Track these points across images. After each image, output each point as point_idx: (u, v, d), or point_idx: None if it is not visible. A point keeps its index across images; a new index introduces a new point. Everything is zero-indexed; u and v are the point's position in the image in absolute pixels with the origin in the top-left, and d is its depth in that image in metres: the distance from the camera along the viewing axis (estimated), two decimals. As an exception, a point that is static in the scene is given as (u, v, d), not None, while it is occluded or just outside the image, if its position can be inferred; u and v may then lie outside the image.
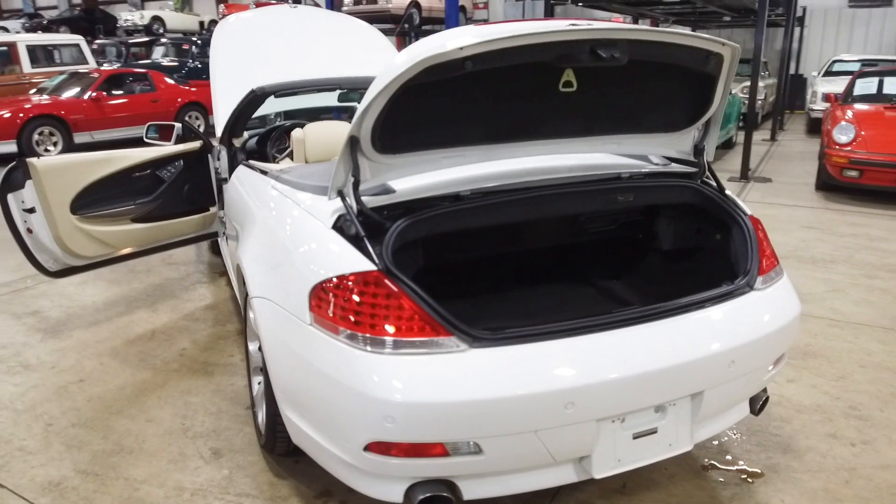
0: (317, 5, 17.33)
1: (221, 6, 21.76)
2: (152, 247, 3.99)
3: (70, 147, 10.06)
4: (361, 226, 1.98)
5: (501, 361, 1.80)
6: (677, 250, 2.72)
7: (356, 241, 1.97)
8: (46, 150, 9.92)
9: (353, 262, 1.91)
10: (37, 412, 3.02)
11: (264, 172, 3.00)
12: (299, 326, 1.99)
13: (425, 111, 2.01)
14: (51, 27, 23.60)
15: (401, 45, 19.62)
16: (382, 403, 1.74)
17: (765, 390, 2.37)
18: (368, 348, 1.80)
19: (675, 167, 2.61)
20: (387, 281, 1.85)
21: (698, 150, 2.55)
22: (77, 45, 13.18)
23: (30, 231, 3.50)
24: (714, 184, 2.52)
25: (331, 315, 1.88)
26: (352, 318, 1.84)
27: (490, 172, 2.26)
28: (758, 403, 2.33)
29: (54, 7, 29.43)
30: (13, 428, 2.89)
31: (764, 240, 2.36)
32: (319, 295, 1.93)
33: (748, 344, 2.05)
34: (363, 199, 2.04)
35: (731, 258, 2.36)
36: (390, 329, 1.80)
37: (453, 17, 14.02)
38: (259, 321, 2.25)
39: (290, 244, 2.21)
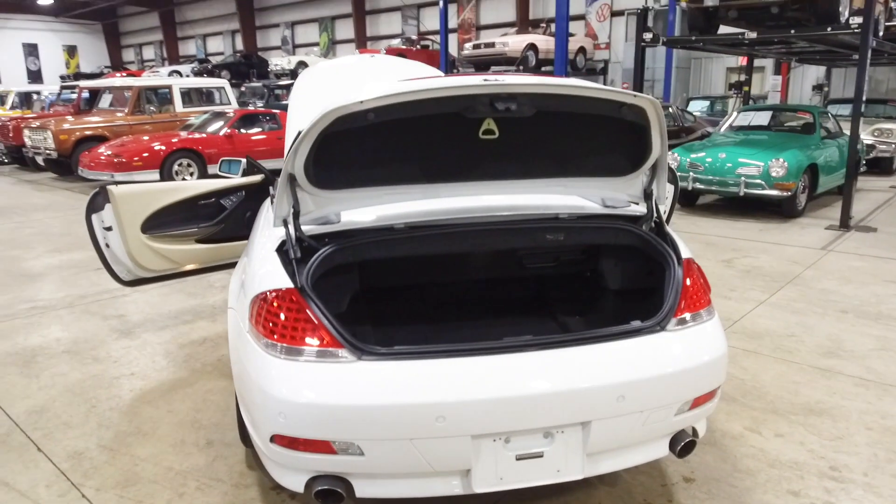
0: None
1: (356, 52, 23.52)
2: (213, 265, 4.58)
3: (203, 176, 11.39)
4: (295, 250, 2.30)
5: (384, 374, 2.03)
6: (627, 289, 2.80)
7: (290, 263, 2.30)
8: (183, 179, 11.30)
9: (278, 280, 2.24)
10: (88, 396, 3.61)
11: None
12: (241, 333, 2.34)
13: (355, 153, 2.32)
14: (214, 71, 26.60)
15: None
16: (277, 401, 2.04)
17: (690, 432, 2.38)
18: (275, 353, 2.10)
19: (633, 210, 2.71)
20: (298, 298, 2.16)
21: (647, 194, 2.64)
22: (222, 88, 14.86)
23: (107, 246, 4.18)
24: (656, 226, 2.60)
25: (255, 324, 2.21)
26: (268, 327, 2.16)
27: (428, 209, 2.51)
28: (678, 444, 2.35)
29: (221, 53, 33.17)
30: (66, 407, 3.49)
31: (694, 283, 2.40)
32: (252, 306, 2.27)
33: (640, 382, 2.12)
34: (304, 227, 2.37)
35: (661, 298, 2.43)
36: (293, 339, 2.10)
37: (561, 59, 14.30)
38: (228, 328, 2.64)
39: (251, 263, 2.58)
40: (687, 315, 2.31)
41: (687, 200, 9.24)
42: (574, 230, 2.56)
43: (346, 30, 28.94)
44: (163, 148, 11.18)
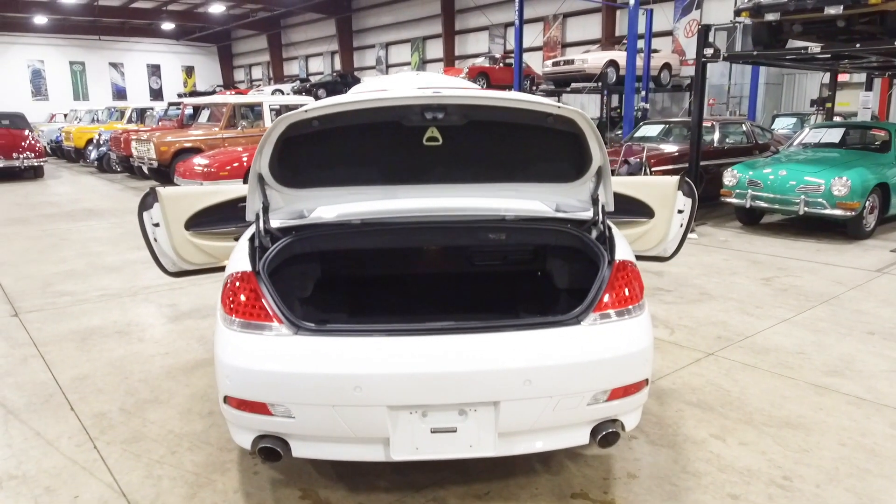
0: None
1: (442, 71, 24.21)
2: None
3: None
4: (263, 240, 2.65)
5: (313, 347, 2.32)
6: (574, 287, 2.95)
7: (255, 251, 2.64)
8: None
9: (242, 264, 2.59)
10: (124, 369, 4.13)
11: None
12: (218, 310, 2.71)
13: (317, 156, 2.64)
14: (311, 90, 28.12)
15: (601, 102, 20.03)
16: (224, 365, 2.38)
17: (613, 423, 2.51)
18: (231, 327, 2.44)
19: (582, 215, 2.88)
20: (253, 280, 2.49)
21: (593, 199, 2.80)
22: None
23: (156, 240, 4.74)
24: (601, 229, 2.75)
25: (221, 301, 2.57)
26: (227, 304, 2.50)
27: (384, 208, 2.80)
28: (598, 434, 2.48)
29: (321, 73, 34.97)
30: (104, 377, 4.01)
31: (623, 282, 2.53)
32: (222, 286, 2.63)
33: (546, 368, 2.29)
34: (277, 221, 2.72)
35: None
36: (244, 314, 2.43)
37: (631, 76, 14.18)
38: (217, 308, 3.02)
39: (234, 251, 2.95)
40: (611, 311, 2.45)
41: (748, 219, 8.99)
42: (516, 231, 2.77)
43: (436, 49, 29.80)
44: (247, 159, 12.06)
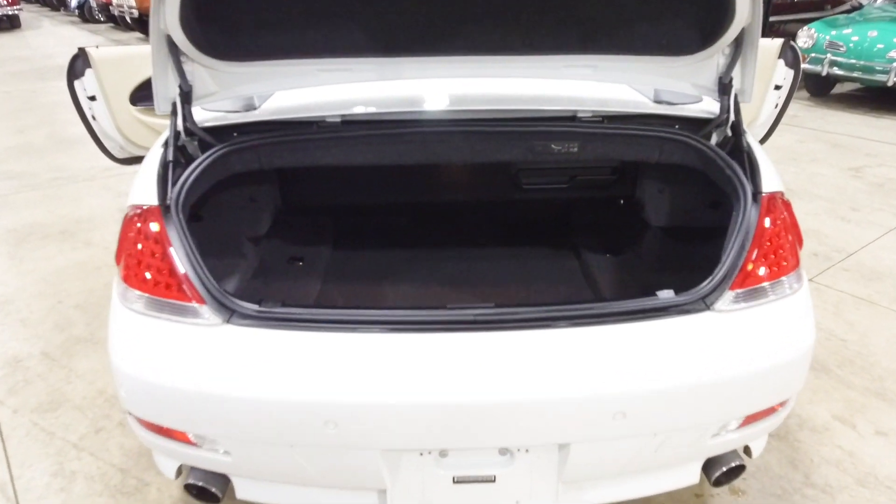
0: None
1: None
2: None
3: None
4: (180, 148, 1.62)
5: (252, 348, 1.37)
6: (677, 227, 1.92)
7: (167, 168, 1.62)
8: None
9: (145, 193, 1.58)
10: (59, 288, 3.24)
11: None
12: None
13: (272, 7, 1.54)
14: None
15: None
16: (117, 371, 1.45)
17: (737, 456, 1.61)
18: (127, 303, 1.48)
19: (698, 109, 1.80)
20: (161, 222, 1.49)
21: (723, 85, 1.71)
22: None
23: (94, 118, 3.67)
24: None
25: (116, 254, 1.59)
26: (121, 261, 1.53)
27: (379, 96, 1.73)
28: (715, 471, 1.59)
29: None
30: (32, 300, 3.14)
31: (777, 232, 1.52)
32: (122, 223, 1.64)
33: (654, 394, 1.35)
34: (203, 113, 1.67)
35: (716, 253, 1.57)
36: (145, 283, 1.46)
37: None
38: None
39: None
40: (760, 286, 1.46)
41: (818, 88, 7.64)
42: (597, 138, 1.70)
43: None
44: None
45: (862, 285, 3.26)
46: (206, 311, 1.40)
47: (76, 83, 3.46)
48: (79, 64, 3.44)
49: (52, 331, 2.88)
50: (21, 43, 12.86)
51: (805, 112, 6.97)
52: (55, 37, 13.91)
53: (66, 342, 2.79)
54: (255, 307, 1.38)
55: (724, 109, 1.71)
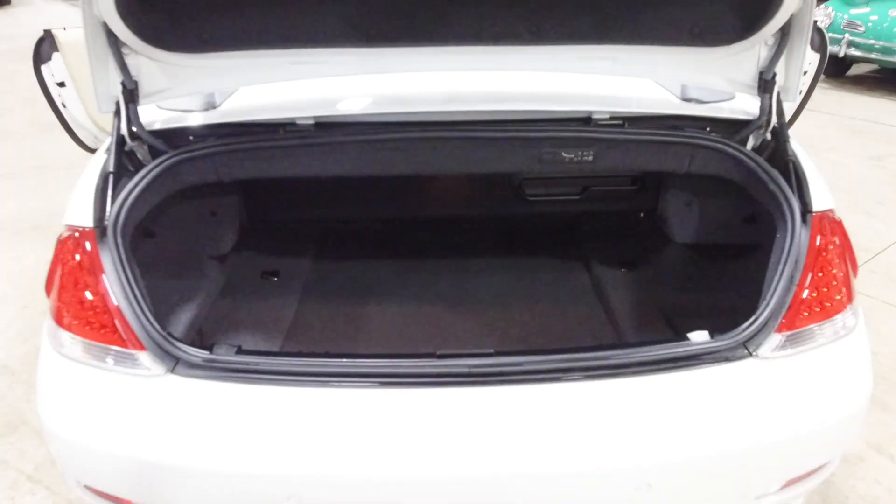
0: None
1: None
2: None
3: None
4: (124, 155, 1.38)
5: (203, 405, 1.14)
6: (706, 245, 1.68)
7: (107, 181, 1.38)
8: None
9: (80, 213, 1.34)
10: (27, 291, 3.05)
11: None
12: None
13: None
14: None
15: None
16: (45, 425, 1.23)
17: None
18: (56, 344, 1.25)
19: (732, 109, 1.55)
20: (94, 247, 1.25)
21: (764, 81, 1.45)
22: None
23: (64, 106, 3.42)
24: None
25: (45, 285, 1.35)
26: (52, 294, 1.29)
27: (364, 95, 1.48)
28: None
29: None
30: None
31: (829, 259, 1.27)
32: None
33: (688, 460, 1.12)
34: (151, 115, 1.43)
35: (759, 281, 1.33)
36: (76, 321, 1.22)
37: None
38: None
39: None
40: (813, 327, 1.21)
41: (834, 69, 7.32)
42: (617, 145, 1.45)
43: None
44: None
45: (892, 289, 3.02)
46: (146, 359, 1.17)
47: (43, 68, 3.20)
48: (45, 47, 3.17)
49: (15, 340, 2.66)
50: (9, 21, 12.52)
51: (821, 94, 6.66)
52: (45, 15, 13.53)
53: (30, 354, 2.57)
54: (204, 354, 1.15)
55: (765, 110, 1.46)
